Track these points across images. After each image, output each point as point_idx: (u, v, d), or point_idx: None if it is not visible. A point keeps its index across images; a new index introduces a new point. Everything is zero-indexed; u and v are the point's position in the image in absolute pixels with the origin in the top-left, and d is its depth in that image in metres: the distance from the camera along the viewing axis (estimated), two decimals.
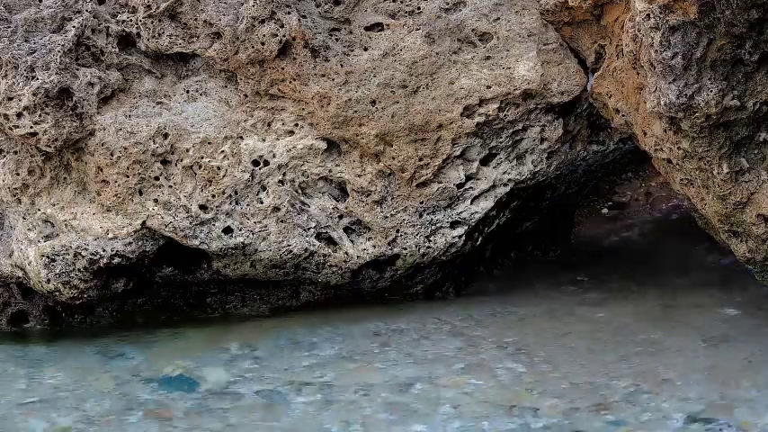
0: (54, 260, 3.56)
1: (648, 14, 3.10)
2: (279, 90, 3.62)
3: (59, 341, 3.67)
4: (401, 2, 3.70)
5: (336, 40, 3.66)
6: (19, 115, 3.49)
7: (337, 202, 3.70)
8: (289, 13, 3.57)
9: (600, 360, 3.24)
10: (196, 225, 3.59)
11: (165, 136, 3.57)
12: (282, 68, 3.60)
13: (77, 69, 3.54)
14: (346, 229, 3.71)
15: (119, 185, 3.55)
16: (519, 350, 3.36)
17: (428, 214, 3.72)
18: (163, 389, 3.19)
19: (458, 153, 3.70)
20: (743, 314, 3.60)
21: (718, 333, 3.43)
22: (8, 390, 3.24)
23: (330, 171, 3.68)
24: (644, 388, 3.00)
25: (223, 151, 3.60)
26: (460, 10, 3.71)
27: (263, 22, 3.56)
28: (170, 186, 3.59)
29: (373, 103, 3.63)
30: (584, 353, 3.32)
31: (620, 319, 3.61)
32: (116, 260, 3.58)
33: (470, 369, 3.23)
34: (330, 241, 3.70)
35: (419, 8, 3.69)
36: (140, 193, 3.57)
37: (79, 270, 3.56)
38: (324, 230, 3.69)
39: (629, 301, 3.80)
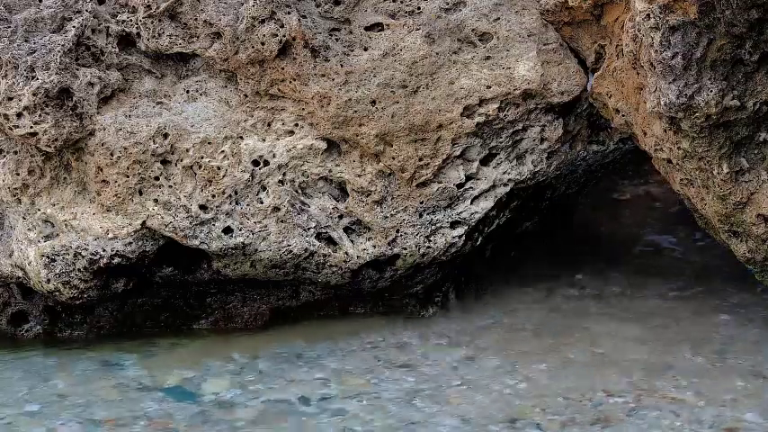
0: (54, 260, 3.56)
1: (648, 14, 3.10)
2: (279, 90, 3.62)
3: (58, 350, 3.67)
4: (401, 2, 3.70)
5: (336, 40, 3.66)
6: (19, 115, 3.49)
7: (337, 202, 3.70)
8: (289, 13, 3.57)
9: (600, 374, 3.24)
10: (196, 225, 3.59)
11: (165, 136, 3.58)
12: (282, 68, 3.60)
13: (77, 69, 3.54)
14: (346, 229, 3.71)
15: (119, 185, 3.55)
16: (518, 363, 3.36)
17: (428, 214, 3.72)
18: (165, 398, 3.19)
19: (458, 153, 3.70)
20: (740, 322, 3.59)
21: (719, 345, 3.42)
22: (10, 398, 3.24)
23: (330, 171, 3.68)
24: (647, 404, 2.99)
25: (223, 151, 3.60)
26: (460, 10, 3.71)
27: (263, 22, 3.56)
28: (170, 186, 3.59)
29: (373, 103, 3.63)
30: (584, 366, 3.31)
31: (622, 330, 3.61)
32: (116, 260, 3.58)
33: (470, 383, 3.23)
34: (330, 241, 3.70)
35: (419, 8, 3.69)
36: (140, 193, 3.57)
37: (79, 270, 3.56)
38: (324, 230, 3.69)
39: (632, 310, 3.80)
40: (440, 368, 3.36)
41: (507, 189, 3.78)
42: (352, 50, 3.65)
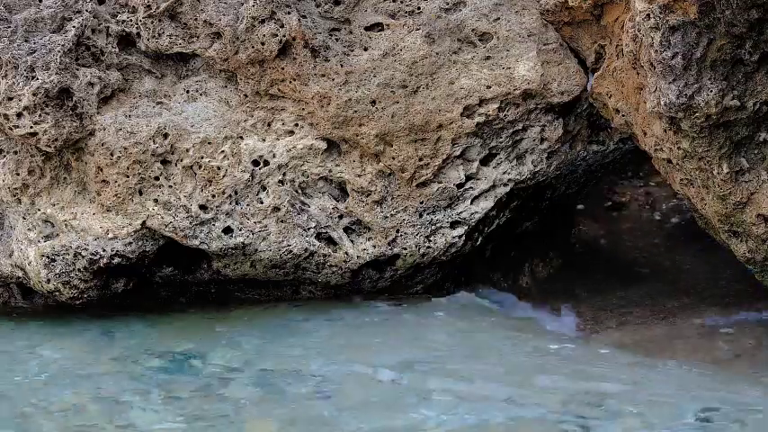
0: (54, 260, 3.56)
1: (648, 14, 3.10)
2: (279, 90, 3.63)
3: (62, 319, 3.68)
4: (401, 2, 3.70)
5: (336, 40, 3.66)
6: (19, 115, 3.49)
7: (337, 202, 3.70)
8: (289, 13, 3.57)
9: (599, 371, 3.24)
10: (196, 225, 3.59)
11: (165, 136, 3.58)
12: (282, 68, 3.60)
13: (77, 69, 3.54)
14: (346, 229, 3.71)
15: (119, 185, 3.55)
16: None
17: (428, 214, 3.72)
18: (164, 369, 3.19)
19: (458, 153, 3.70)
20: (740, 333, 3.59)
21: (718, 352, 3.42)
22: (16, 367, 3.24)
23: (330, 171, 3.68)
24: (643, 394, 3.00)
25: (223, 151, 3.60)
26: (460, 10, 3.71)
27: (263, 22, 3.56)
28: (170, 186, 3.59)
29: (373, 103, 3.63)
30: (585, 364, 3.30)
31: (619, 335, 3.60)
32: (116, 260, 3.58)
33: (467, 365, 3.22)
34: (330, 241, 3.71)
35: (419, 8, 3.70)
36: (140, 193, 3.57)
37: (79, 270, 3.56)
38: (324, 230, 3.69)
39: (631, 313, 3.79)
40: (439, 346, 3.34)
41: (507, 189, 3.78)
42: (352, 50, 3.65)
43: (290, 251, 3.65)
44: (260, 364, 3.22)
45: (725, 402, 2.85)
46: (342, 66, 3.62)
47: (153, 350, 3.36)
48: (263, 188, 3.64)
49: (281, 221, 3.64)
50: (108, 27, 3.60)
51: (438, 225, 3.74)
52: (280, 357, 3.27)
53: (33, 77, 3.48)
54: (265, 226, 3.63)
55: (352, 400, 2.94)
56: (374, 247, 3.71)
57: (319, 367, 3.16)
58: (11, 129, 3.51)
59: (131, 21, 3.61)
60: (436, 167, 3.69)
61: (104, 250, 3.56)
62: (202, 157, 3.59)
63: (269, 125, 3.66)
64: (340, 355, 3.28)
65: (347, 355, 3.28)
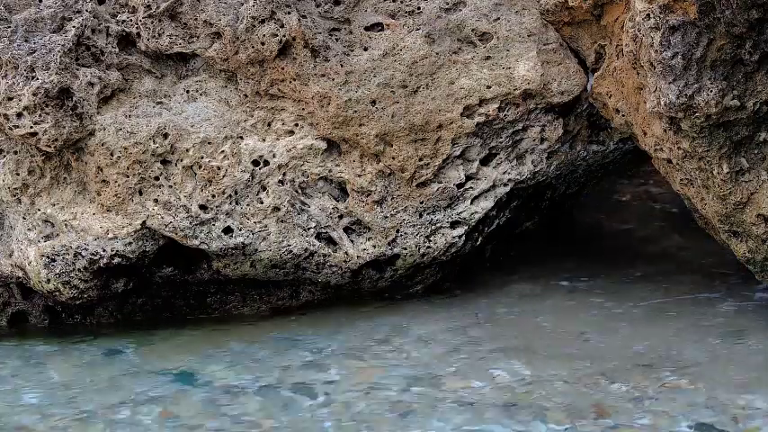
0: (54, 260, 3.56)
1: (648, 14, 3.10)
2: (279, 90, 3.63)
3: (59, 338, 3.68)
4: (401, 2, 3.71)
5: (336, 40, 3.66)
6: (19, 115, 3.49)
7: (337, 202, 3.70)
8: (289, 13, 3.58)
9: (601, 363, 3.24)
10: (196, 225, 3.59)
11: (165, 136, 3.58)
12: (282, 68, 3.60)
13: (77, 69, 3.54)
14: (346, 229, 3.71)
15: (119, 185, 3.56)
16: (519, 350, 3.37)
17: (428, 214, 3.73)
18: (163, 385, 3.19)
19: (458, 153, 3.71)
20: (743, 314, 3.58)
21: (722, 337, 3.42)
22: (10, 385, 3.24)
23: (330, 171, 3.68)
24: (647, 393, 3.00)
25: (223, 151, 3.60)
26: (460, 10, 3.71)
27: (263, 22, 3.56)
28: (170, 186, 3.59)
29: (373, 103, 3.63)
30: (586, 358, 3.30)
31: (622, 325, 3.60)
32: (116, 260, 3.58)
33: (471, 370, 3.22)
34: (330, 241, 3.71)
35: (419, 8, 3.70)
36: (140, 193, 3.57)
37: (79, 270, 3.56)
38: (324, 230, 3.69)
39: (632, 302, 3.79)
40: (438, 356, 3.34)
41: (507, 189, 3.79)
42: (352, 50, 3.65)
43: (290, 251, 3.65)
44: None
45: None
46: (342, 66, 3.62)
47: (152, 366, 3.36)
48: (263, 188, 3.64)
49: (281, 221, 3.64)
50: (108, 27, 3.60)
51: (438, 225, 3.74)
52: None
53: (33, 77, 3.48)
54: (265, 226, 3.63)
55: None
56: (374, 247, 3.71)
57: None
58: (11, 129, 3.51)
59: (131, 21, 3.61)
60: (436, 167, 3.69)
61: (104, 250, 3.56)
62: (202, 157, 3.59)
63: (269, 125, 3.66)
64: None
65: None
